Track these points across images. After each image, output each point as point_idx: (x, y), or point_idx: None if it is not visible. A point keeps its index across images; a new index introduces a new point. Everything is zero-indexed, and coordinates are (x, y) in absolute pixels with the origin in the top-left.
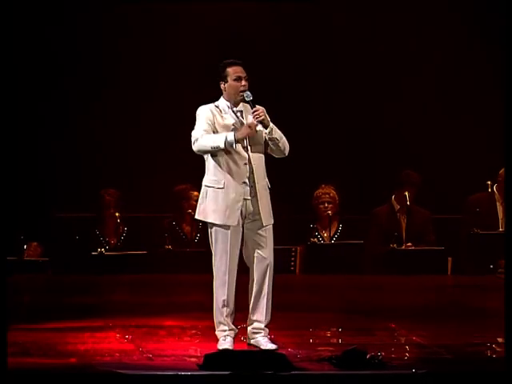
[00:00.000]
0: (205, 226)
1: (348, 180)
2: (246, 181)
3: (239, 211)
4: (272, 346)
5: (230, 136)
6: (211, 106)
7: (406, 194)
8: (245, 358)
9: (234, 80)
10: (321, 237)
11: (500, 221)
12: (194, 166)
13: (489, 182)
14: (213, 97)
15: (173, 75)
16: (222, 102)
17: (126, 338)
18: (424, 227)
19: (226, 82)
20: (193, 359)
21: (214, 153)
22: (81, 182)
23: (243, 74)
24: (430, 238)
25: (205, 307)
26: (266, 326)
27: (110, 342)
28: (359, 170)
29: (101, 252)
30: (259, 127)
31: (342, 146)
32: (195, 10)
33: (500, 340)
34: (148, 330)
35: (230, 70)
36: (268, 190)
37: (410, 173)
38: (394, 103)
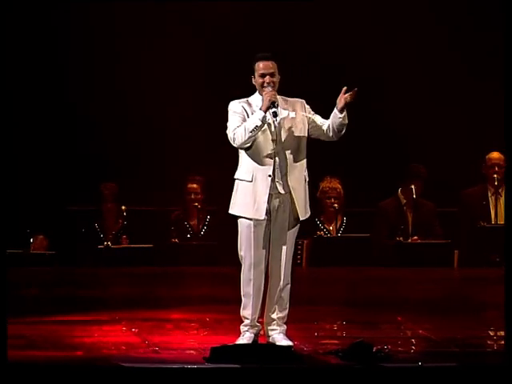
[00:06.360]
0: (212, 219)
1: (353, 173)
2: (271, 174)
3: (265, 205)
4: (287, 343)
5: (259, 113)
6: (243, 101)
7: (413, 187)
8: (251, 351)
9: (259, 76)
10: (327, 230)
11: (491, 214)
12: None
13: (495, 176)
14: (215, 94)
15: (175, 72)
16: (255, 97)
17: (133, 331)
18: (430, 220)
19: (254, 77)
20: (199, 352)
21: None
22: (88, 175)
23: (268, 71)
24: (437, 231)
25: (211, 300)
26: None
27: (117, 335)
28: (364, 162)
29: (107, 245)
30: (292, 115)
31: (347, 139)
32: (196, 10)
33: (503, 333)
34: (154, 323)
35: (257, 65)
36: (304, 184)
37: (416, 166)
38: (397, 99)
